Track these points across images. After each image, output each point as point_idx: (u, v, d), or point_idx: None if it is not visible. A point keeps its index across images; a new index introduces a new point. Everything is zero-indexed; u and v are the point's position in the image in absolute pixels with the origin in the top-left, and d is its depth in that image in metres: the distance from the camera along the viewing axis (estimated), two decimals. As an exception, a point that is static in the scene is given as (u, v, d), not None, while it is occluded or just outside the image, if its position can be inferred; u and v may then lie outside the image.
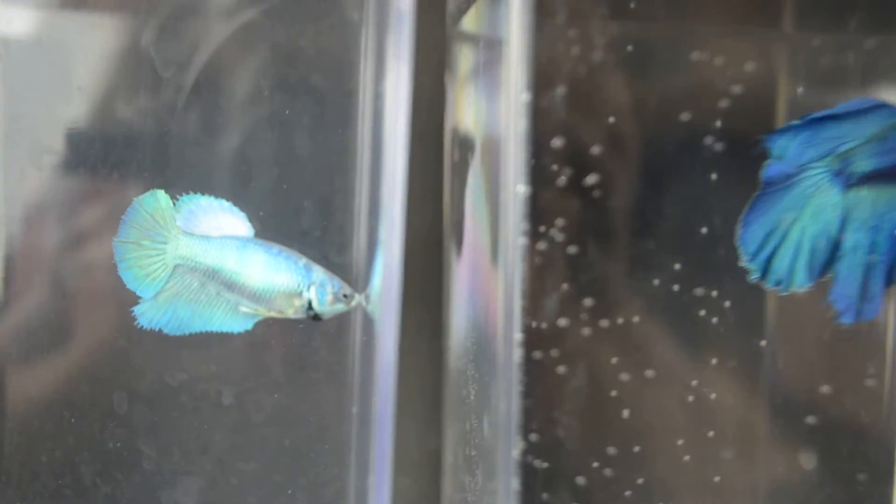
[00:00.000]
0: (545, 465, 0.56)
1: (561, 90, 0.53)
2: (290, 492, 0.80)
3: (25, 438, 0.78)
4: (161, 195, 0.70)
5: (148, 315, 0.72)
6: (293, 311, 0.73)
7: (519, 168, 0.52)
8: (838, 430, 0.64)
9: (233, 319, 0.73)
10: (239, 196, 0.74)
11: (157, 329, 0.73)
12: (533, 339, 0.54)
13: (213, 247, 0.71)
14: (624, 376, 0.56)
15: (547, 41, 0.52)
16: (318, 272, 0.72)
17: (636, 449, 0.58)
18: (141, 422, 0.78)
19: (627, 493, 0.57)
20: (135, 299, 0.73)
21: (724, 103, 0.58)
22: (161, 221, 0.71)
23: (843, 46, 0.61)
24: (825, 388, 0.63)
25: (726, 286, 0.61)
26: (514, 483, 0.55)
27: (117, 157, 0.74)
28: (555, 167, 0.53)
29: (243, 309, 0.73)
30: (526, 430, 0.55)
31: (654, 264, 0.57)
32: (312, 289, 0.72)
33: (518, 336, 0.53)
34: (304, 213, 0.76)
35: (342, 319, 0.75)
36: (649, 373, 0.57)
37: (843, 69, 0.62)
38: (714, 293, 0.58)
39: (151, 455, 0.79)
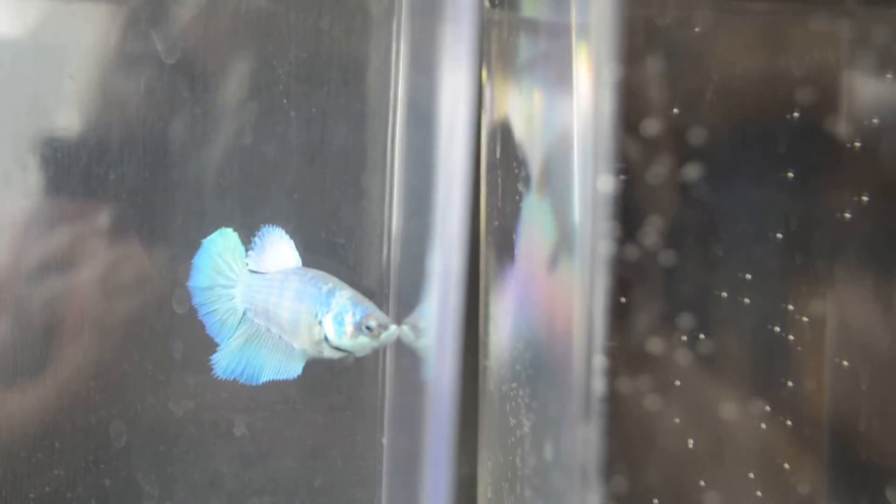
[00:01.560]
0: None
1: (653, 64, 0.45)
2: (309, 533, 0.74)
3: (10, 473, 0.72)
4: (230, 234, 0.67)
5: (223, 364, 0.67)
6: (314, 345, 0.65)
7: (602, 160, 0.44)
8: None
9: (289, 362, 0.67)
10: (256, 206, 0.70)
11: (232, 379, 0.67)
12: (618, 366, 0.46)
13: (266, 282, 0.66)
14: (726, 410, 0.48)
15: (636, 7, 0.44)
16: (341, 298, 0.63)
17: (733, 490, 0.50)
18: (141, 454, 0.72)
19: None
20: (131, 317, 0.70)
21: (832, 89, 0.51)
22: (230, 262, 0.67)
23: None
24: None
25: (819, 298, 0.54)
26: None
27: (113, 162, 0.70)
28: (645, 159, 0.45)
29: (296, 346, 0.66)
30: (608, 474, 0.47)
31: (765, 274, 0.49)
32: (329, 317, 0.63)
33: (600, 361, 0.45)
34: (332, 216, 0.71)
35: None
36: (756, 406, 0.49)
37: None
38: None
39: (153, 493, 0.73)
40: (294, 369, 0.66)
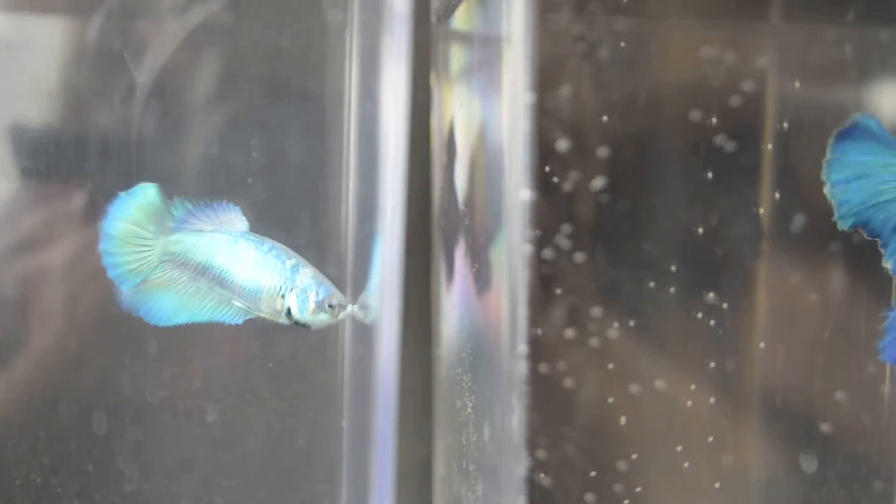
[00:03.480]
0: (553, 481, 0.54)
1: (566, 90, 0.51)
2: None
3: (-3, 462, 0.75)
4: (150, 188, 0.67)
5: (129, 301, 0.69)
6: (275, 315, 0.68)
7: (523, 173, 0.50)
8: (838, 433, 0.63)
9: (224, 311, 0.69)
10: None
11: (137, 315, 0.69)
12: (539, 352, 0.52)
13: (204, 243, 0.68)
14: (634, 388, 0.54)
15: (550, 38, 0.50)
16: (305, 276, 0.68)
17: (643, 460, 0.56)
18: (121, 441, 0.76)
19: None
20: (102, 308, 0.71)
21: (733, 100, 0.56)
22: (149, 216, 0.68)
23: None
24: (823, 390, 0.62)
25: (729, 288, 0.59)
26: (521, 501, 0.53)
27: (86, 161, 0.71)
28: (560, 171, 0.51)
29: (236, 303, 0.69)
30: (533, 446, 0.53)
31: (664, 269, 0.55)
32: (294, 293, 0.68)
33: (523, 348, 0.51)
34: (292, 221, 0.73)
35: (329, 328, 0.72)
36: (659, 383, 0.55)
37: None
38: (715, 296, 0.57)
39: (133, 476, 0.76)
40: (233, 317, 0.69)
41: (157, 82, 0.73)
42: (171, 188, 0.71)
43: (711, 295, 0.59)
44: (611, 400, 0.54)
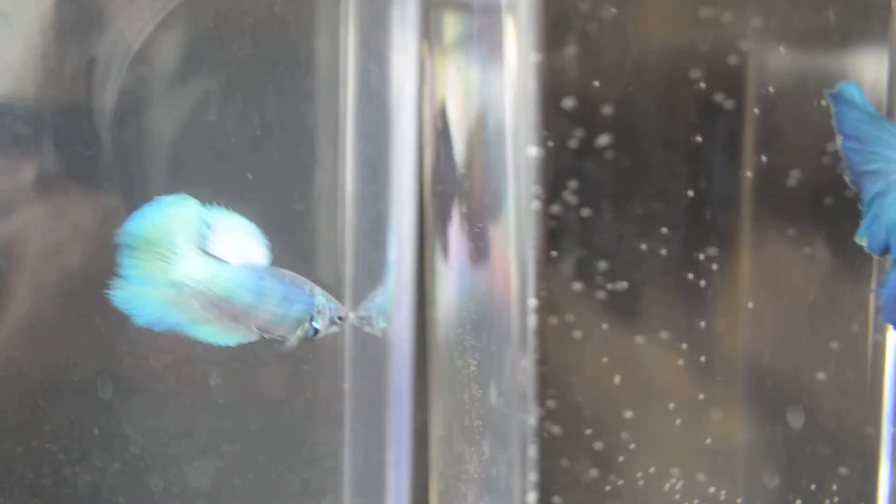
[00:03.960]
0: (562, 430, 0.56)
1: (571, 49, 0.52)
2: (280, 471, 0.79)
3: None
4: (192, 203, 0.65)
5: (123, 296, 0.67)
6: (295, 338, 0.71)
7: (530, 131, 0.51)
8: (822, 391, 0.65)
9: (218, 335, 0.70)
10: (197, 185, 0.70)
11: (126, 312, 0.68)
12: (547, 305, 0.54)
13: (229, 276, 0.67)
14: (639, 339, 0.56)
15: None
16: (319, 296, 0.70)
17: (650, 412, 0.58)
18: (123, 407, 0.76)
19: (646, 456, 0.57)
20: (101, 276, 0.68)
21: (734, 61, 0.57)
22: (181, 230, 0.65)
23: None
24: (809, 352, 0.64)
25: (726, 248, 0.61)
26: (532, 451, 0.54)
27: (59, 131, 0.71)
28: (567, 129, 0.52)
29: (249, 330, 0.70)
30: (543, 397, 0.54)
31: (665, 226, 0.56)
32: (317, 315, 0.71)
33: (533, 302, 0.53)
34: (291, 195, 0.74)
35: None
36: (664, 335, 0.56)
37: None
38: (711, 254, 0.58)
39: (137, 439, 0.77)
40: (225, 340, 0.69)
41: (147, 50, 0.73)
42: (157, 156, 0.71)
43: (702, 255, 0.61)
44: (616, 352, 0.56)
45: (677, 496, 0.59)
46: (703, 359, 0.61)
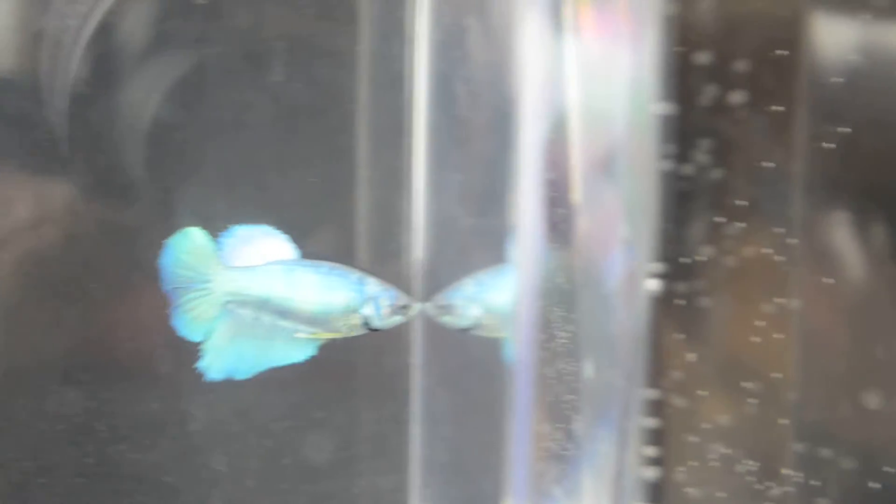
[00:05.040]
0: (685, 404, 0.53)
1: (703, 3, 0.50)
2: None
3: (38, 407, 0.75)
4: (196, 233, 0.67)
5: (215, 365, 0.69)
6: (350, 329, 0.70)
7: (659, 86, 0.49)
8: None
9: (293, 348, 0.70)
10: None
11: (229, 378, 0.69)
12: (672, 271, 0.51)
13: (260, 275, 0.68)
14: (766, 308, 0.53)
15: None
16: (372, 285, 0.70)
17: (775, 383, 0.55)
18: (182, 384, 0.75)
19: (765, 431, 0.55)
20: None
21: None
22: (201, 259, 0.67)
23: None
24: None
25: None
26: (651, 422, 0.52)
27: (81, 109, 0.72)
28: (698, 84, 0.50)
29: (299, 335, 0.69)
30: (663, 367, 0.52)
31: (801, 186, 0.54)
32: (369, 304, 0.69)
33: (655, 266, 0.50)
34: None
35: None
36: (794, 303, 0.54)
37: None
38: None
39: (198, 416, 0.76)
40: (303, 352, 0.70)
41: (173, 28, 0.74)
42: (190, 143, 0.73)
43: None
44: (743, 320, 0.54)
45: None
46: (836, 329, 0.58)
